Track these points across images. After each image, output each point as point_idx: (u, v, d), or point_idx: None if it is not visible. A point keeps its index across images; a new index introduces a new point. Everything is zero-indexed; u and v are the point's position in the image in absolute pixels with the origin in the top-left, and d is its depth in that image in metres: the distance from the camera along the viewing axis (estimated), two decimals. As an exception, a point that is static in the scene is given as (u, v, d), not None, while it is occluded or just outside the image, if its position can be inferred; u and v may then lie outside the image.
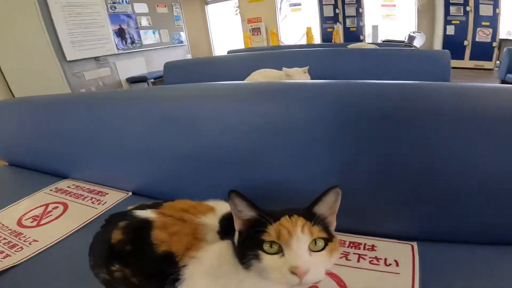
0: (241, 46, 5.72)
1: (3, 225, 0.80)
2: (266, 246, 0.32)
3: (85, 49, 3.49)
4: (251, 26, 5.88)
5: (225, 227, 0.40)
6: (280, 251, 0.32)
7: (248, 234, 0.34)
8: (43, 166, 1.13)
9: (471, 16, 4.39)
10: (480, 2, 4.27)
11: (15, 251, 0.69)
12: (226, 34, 6.44)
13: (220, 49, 6.47)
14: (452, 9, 4.47)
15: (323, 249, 0.33)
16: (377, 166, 0.60)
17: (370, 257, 0.56)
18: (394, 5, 5.10)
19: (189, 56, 5.17)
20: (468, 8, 4.37)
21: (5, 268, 0.63)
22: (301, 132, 0.65)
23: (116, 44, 3.90)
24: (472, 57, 4.41)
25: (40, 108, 1.15)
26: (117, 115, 0.91)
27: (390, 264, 0.53)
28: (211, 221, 0.42)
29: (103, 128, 0.94)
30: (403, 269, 0.52)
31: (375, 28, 4.89)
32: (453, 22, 4.51)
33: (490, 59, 4.30)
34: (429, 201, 0.57)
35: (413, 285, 0.48)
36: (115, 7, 3.89)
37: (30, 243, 0.71)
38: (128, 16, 4.12)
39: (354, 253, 0.57)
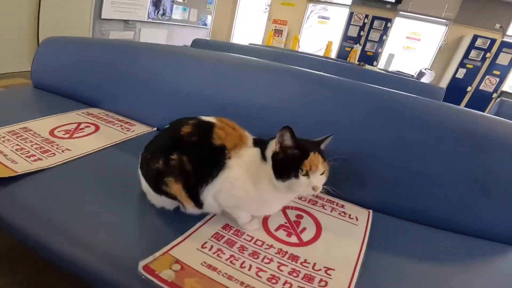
0: (259, 42, 5.87)
1: (35, 132, 0.86)
2: (300, 171, 0.50)
3: (120, 10, 3.59)
4: (275, 26, 6.04)
5: (256, 142, 0.58)
6: (307, 174, 0.50)
7: (285, 158, 0.51)
8: (74, 94, 1.24)
9: (486, 63, 4.46)
10: (502, 50, 4.36)
11: (47, 156, 0.75)
12: (247, 28, 6.59)
13: (238, 40, 6.61)
14: (473, 53, 4.55)
15: (323, 173, 0.52)
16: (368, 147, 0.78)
17: (339, 211, 0.72)
18: (419, 39, 5.29)
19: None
20: (488, 55, 4.42)
21: (36, 169, 0.67)
22: (325, 112, 0.84)
23: (149, 13, 4.01)
24: (468, 105, 4.50)
25: (83, 46, 1.30)
26: (160, 64, 1.08)
27: (352, 218, 0.70)
28: (249, 135, 0.59)
29: (142, 70, 1.09)
30: (360, 223, 0.68)
31: (391, 56, 5.09)
32: (467, 65, 4.60)
33: (483, 110, 4.47)
34: (387, 181, 0.75)
35: (365, 233, 0.65)
36: (159, -24, 3.97)
37: (63, 151, 0.78)
38: (169, -13, 4.19)
39: (329, 206, 0.73)
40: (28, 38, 3.14)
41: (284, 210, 0.67)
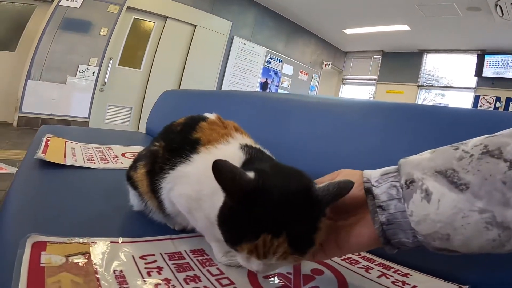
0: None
1: (113, 151, 1.04)
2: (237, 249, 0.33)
3: (235, 89, 4.35)
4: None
5: (242, 147, 0.42)
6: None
7: (233, 214, 0.32)
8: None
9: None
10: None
11: (102, 162, 0.87)
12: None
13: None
14: None
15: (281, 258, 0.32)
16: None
17: (395, 280, 0.40)
18: None
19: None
20: None
21: (81, 166, 0.79)
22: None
23: (256, 95, 4.71)
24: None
25: (185, 96, 1.58)
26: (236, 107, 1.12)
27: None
28: (238, 136, 0.45)
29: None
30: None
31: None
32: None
33: None
34: None
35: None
36: (270, 62, 4.77)
37: (116, 162, 0.90)
38: (276, 73, 4.92)
39: (378, 271, 0.43)
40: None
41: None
